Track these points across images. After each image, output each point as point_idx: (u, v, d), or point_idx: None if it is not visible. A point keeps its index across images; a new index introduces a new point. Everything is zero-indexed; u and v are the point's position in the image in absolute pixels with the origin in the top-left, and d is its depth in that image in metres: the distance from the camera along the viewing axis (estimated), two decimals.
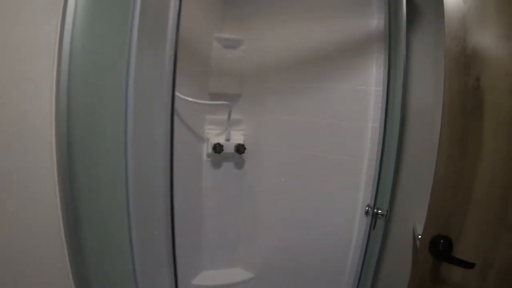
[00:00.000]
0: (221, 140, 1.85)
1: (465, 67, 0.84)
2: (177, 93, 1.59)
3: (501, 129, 0.80)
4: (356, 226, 1.69)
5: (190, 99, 1.64)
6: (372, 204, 1.43)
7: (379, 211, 1.40)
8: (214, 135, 1.88)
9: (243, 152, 1.85)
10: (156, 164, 1.14)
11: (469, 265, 0.84)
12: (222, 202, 1.95)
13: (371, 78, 1.64)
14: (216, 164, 1.91)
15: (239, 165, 1.94)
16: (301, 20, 1.78)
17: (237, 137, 1.88)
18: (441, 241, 0.91)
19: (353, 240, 1.70)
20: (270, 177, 1.87)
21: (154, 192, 1.19)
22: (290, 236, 1.86)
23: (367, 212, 1.43)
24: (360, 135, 1.65)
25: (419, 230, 1.57)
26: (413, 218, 1.69)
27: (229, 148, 1.84)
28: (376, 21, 1.64)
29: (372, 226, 1.41)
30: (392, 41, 1.54)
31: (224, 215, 1.96)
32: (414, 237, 1.61)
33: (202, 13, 1.86)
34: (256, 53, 1.89)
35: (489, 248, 0.86)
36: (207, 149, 1.86)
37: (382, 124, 1.53)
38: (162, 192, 1.09)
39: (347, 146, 1.70)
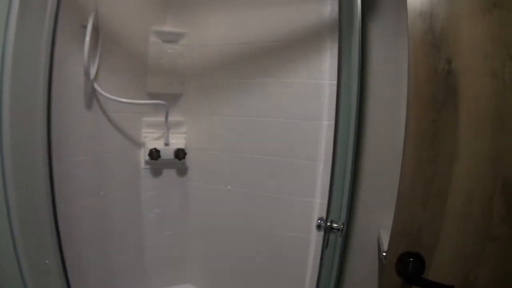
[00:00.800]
0: (160, 144, 1.62)
1: (433, 48, 0.68)
2: (102, 91, 1.38)
3: (480, 122, 0.65)
4: (313, 238, 1.53)
5: (114, 97, 1.40)
6: (324, 217, 1.24)
7: (334, 225, 1.20)
8: (152, 139, 1.65)
9: (183, 158, 1.64)
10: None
11: None
12: (164, 213, 1.72)
13: (324, 70, 1.49)
14: (156, 172, 1.68)
15: (182, 172, 1.72)
16: (247, 9, 1.60)
17: (178, 141, 1.66)
18: (411, 259, 0.75)
19: (311, 253, 1.54)
20: (216, 185, 1.67)
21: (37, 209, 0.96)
22: (242, 248, 1.67)
23: (319, 226, 1.21)
24: (314, 134, 1.49)
25: (385, 241, 1.44)
26: (377, 227, 1.58)
27: (168, 153, 1.62)
28: (329, 7, 1.48)
29: (325, 243, 1.23)
30: (345, 28, 1.39)
31: (168, 228, 1.74)
32: (380, 250, 1.48)
33: (139, 4, 1.64)
34: (199, 48, 1.68)
35: (469, 264, 0.71)
36: (144, 155, 1.63)
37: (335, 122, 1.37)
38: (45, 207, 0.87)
39: (301, 148, 1.53)
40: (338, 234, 1.21)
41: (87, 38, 1.27)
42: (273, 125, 1.56)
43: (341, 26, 1.37)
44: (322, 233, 1.39)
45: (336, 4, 1.46)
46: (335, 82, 1.44)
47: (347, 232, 1.54)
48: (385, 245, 1.38)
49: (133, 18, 1.60)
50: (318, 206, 1.52)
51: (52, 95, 0.94)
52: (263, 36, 1.58)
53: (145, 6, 1.67)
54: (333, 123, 1.43)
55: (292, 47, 1.54)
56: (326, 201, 1.47)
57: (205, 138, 1.69)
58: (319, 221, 1.19)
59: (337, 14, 1.44)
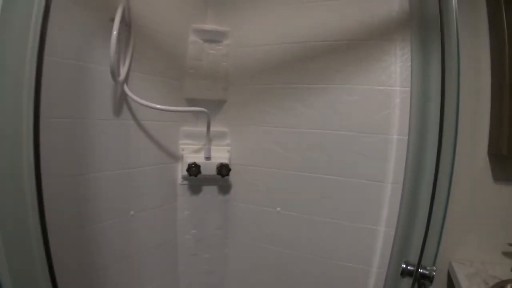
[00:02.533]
0: (200, 158, 1.43)
1: None
2: (133, 96, 1.20)
3: None
4: (374, 270, 1.30)
5: (147, 103, 1.22)
6: (416, 261, 0.95)
7: (424, 271, 0.95)
8: (191, 152, 1.47)
9: (227, 175, 1.44)
10: None
11: None
12: (202, 235, 1.53)
13: (394, 75, 1.26)
14: (195, 189, 1.50)
15: (224, 189, 1.52)
16: (299, 4, 1.39)
17: (221, 155, 1.47)
18: None
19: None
20: (262, 206, 1.47)
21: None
22: (288, 278, 1.46)
23: (403, 273, 0.97)
24: (381, 151, 1.27)
25: (459, 275, 1.23)
26: (448, 259, 1.36)
27: (209, 169, 1.43)
28: (398, 5, 1.26)
29: None
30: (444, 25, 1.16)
31: (205, 251, 1.55)
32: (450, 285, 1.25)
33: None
34: (244, 48, 1.49)
35: None
36: (182, 170, 1.45)
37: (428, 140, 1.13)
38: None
39: (364, 166, 1.30)
40: (426, 283, 0.96)
41: (114, 33, 1.09)
42: (331, 138, 1.35)
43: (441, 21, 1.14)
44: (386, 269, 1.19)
45: None
46: (407, 89, 1.24)
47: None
48: (462, 283, 1.18)
49: (170, 14, 1.42)
50: (382, 234, 1.30)
51: (42, 94, 0.72)
52: (318, 34, 1.36)
53: (183, 1, 1.49)
54: (404, 137, 1.23)
55: (354, 48, 1.32)
56: (391, 229, 1.28)
57: (251, 152, 1.49)
58: (404, 265, 0.96)
59: (408, 9, 1.24)
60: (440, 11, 1.07)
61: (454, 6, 1.04)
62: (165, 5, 1.40)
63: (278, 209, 1.44)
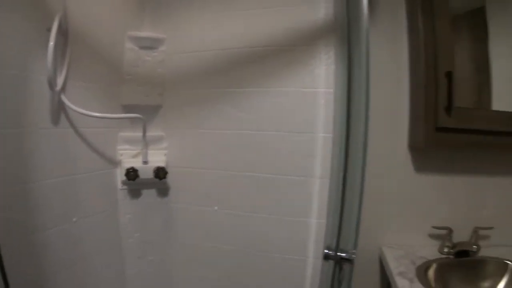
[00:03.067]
0: (138, 162, 1.46)
1: None
2: (70, 104, 1.21)
3: None
4: (310, 260, 1.39)
5: (84, 111, 1.24)
6: (333, 245, 1.06)
7: (343, 255, 1.04)
8: (130, 157, 1.49)
9: (165, 177, 1.47)
10: None
11: None
12: (146, 238, 1.55)
13: (319, 78, 1.35)
14: (134, 193, 1.51)
15: (163, 192, 1.55)
16: (233, 11, 1.45)
17: (158, 158, 1.49)
18: None
19: (308, 277, 1.40)
20: (201, 206, 1.51)
21: None
22: (232, 273, 1.51)
23: (327, 257, 1.06)
24: (309, 148, 1.35)
25: (390, 259, 1.33)
26: (379, 245, 1.45)
27: (147, 172, 1.45)
28: (323, 10, 1.35)
29: (336, 279, 1.07)
30: (351, 32, 1.25)
31: (150, 253, 1.57)
32: (383, 269, 1.33)
33: (113, 6, 1.48)
34: (180, 55, 1.52)
35: None
36: (121, 175, 1.46)
37: (343, 134, 1.22)
38: None
39: (294, 163, 1.38)
40: (346, 265, 1.05)
41: (51, 43, 1.11)
42: (263, 139, 1.41)
43: (349, 29, 1.23)
44: (321, 256, 1.26)
45: (331, 6, 1.33)
46: (331, 90, 1.34)
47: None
48: (391, 264, 1.29)
49: (107, 22, 1.43)
50: (314, 226, 1.38)
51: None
52: (251, 41, 1.43)
53: (120, 9, 1.50)
54: (329, 135, 1.32)
55: (283, 53, 1.40)
56: (322, 221, 1.35)
57: (188, 154, 1.53)
58: (326, 250, 1.04)
59: (332, 17, 1.33)
60: (348, 17, 1.17)
61: (365, 13, 1.13)
62: (101, 13, 1.40)
63: (216, 208, 1.48)
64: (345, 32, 1.20)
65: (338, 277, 1.17)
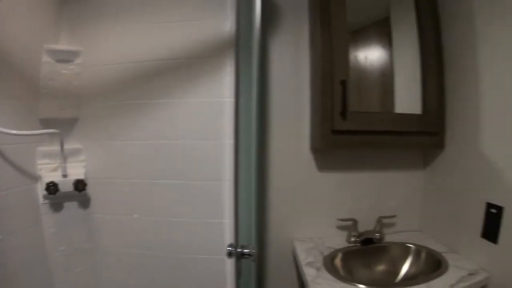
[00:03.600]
0: (57, 176, 1.48)
1: None
2: None
3: None
4: (228, 259, 1.47)
5: None
6: (245, 243, 1.16)
7: (245, 251, 1.14)
8: (49, 171, 1.50)
9: (84, 189, 1.50)
10: None
11: None
12: (71, 250, 1.57)
13: (225, 88, 1.43)
14: (56, 207, 1.53)
15: (84, 204, 1.58)
16: (147, 25, 1.50)
17: (77, 171, 1.52)
18: None
19: (228, 275, 1.49)
20: (122, 215, 1.56)
21: None
22: (157, 277, 1.57)
23: (230, 254, 1.15)
24: (218, 154, 1.44)
25: (300, 252, 1.43)
26: (291, 239, 1.56)
27: (67, 186, 1.48)
28: (229, 23, 1.44)
29: (237, 272, 1.16)
30: (242, 44, 1.33)
31: (77, 265, 1.59)
32: (296, 261, 1.44)
33: (29, 19, 1.46)
34: (95, 67, 1.55)
35: None
36: (41, 189, 1.48)
37: (242, 140, 1.31)
38: None
39: (206, 169, 1.47)
40: (250, 260, 1.14)
41: None
42: (177, 147, 1.49)
43: (238, 42, 1.32)
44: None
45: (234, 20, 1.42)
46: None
47: (262, 251, 1.51)
48: (300, 255, 1.39)
49: (22, 35, 1.42)
50: (228, 226, 1.47)
51: None
52: (163, 53, 1.49)
53: (36, 22, 1.50)
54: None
55: (193, 65, 1.48)
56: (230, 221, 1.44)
57: (106, 165, 1.57)
58: (229, 248, 1.12)
59: (235, 30, 1.41)
60: (238, 31, 1.24)
61: (256, 27, 1.22)
62: (17, 27, 1.40)
63: (136, 215, 1.54)
64: (248, 45, 1.30)
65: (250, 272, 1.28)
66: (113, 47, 1.53)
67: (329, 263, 1.32)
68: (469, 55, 1.36)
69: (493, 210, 1.23)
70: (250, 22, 1.30)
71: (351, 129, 1.38)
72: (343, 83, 1.36)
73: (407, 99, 1.53)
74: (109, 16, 1.53)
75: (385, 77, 1.55)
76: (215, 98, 1.44)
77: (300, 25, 1.51)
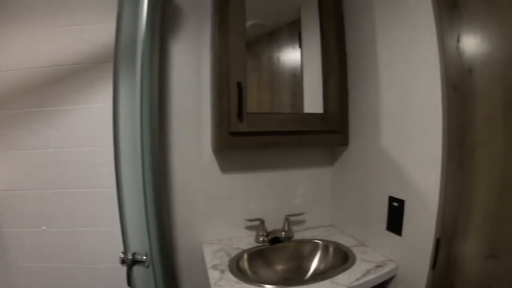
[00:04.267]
0: None
1: None
2: None
3: None
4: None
5: None
6: (140, 250, 1.15)
7: (138, 257, 1.13)
8: None
9: None
10: None
11: None
12: None
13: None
14: None
15: None
16: (42, 29, 1.47)
17: None
18: None
19: None
20: (29, 227, 1.51)
21: None
22: None
23: (123, 261, 1.12)
24: (110, 161, 1.41)
25: (207, 254, 1.42)
26: (200, 242, 1.55)
27: None
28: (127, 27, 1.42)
29: (128, 279, 1.15)
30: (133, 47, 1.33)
31: None
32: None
33: None
34: None
35: None
36: None
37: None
38: None
39: (103, 176, 1.46)
40: (144, 266, 1.13)
41: None
42: (77, 155, 1.47)
43: (118, 46, 1.31)
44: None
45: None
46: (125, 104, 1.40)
47: (171, 257, 1.50)
48: (207, 258, 1.38)
49: None
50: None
51: None
52: (61, 59, 1.46)
53: None
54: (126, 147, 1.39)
55: (91, 70, 1.46)
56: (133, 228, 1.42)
57: (11, 177, 1.51)
58: (121, 254, 1.11)
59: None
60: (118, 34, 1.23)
61: (141, 33, 1.22)
62: None
63: (44, 227, 1.50)
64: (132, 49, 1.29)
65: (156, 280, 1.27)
66: (10, 53, 1.49)
67: (234, 265, 1.31)
68: (369, 54, 1.40)
69: (395, 204, 1.27)
70: (138, 24, 1.31)
71: (248, 130, 1.39)
72: (239, 85, 1.37)
73: (313, 99, 1.56)
74: (6, 21, 1.49)
75: (296, 78, 1.59)
76: (110, 103, 1.42)
77: (202, 28, 1.51)
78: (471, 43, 0.97)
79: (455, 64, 1.02)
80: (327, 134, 1.54)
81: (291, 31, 1.61)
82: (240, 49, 1.40)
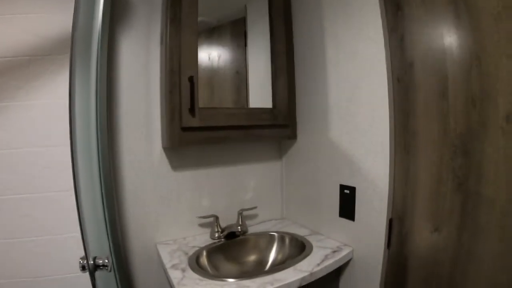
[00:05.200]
0: None
1: None
2: None
3: None
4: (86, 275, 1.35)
5: None
6: (101, 254, 1.08)
7: (99, 261, 1.06)
8: None
9: None
10: None
11: None
12: None
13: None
14: None
15: None
16: None
17: None
18: None
19: None
20: None
21: None
22: None
23: (83, 268, 1.03)
24: (63, 162, 1.31)
25: (163, 254, 1.39)
26: (154, 243, 1.50)
27: None
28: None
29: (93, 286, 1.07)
30: (86, 41, 1.24)
31: None
32: (162, 264, 1.38)
33: None
34: None
35: None
36: None
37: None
38: None
39: (52, 178, 1.33)
40: (107, 270, 1.06)
41: None
42: (19, 156, 1.32)
43: (75, 38, 1.22)
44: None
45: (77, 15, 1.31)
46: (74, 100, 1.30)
47: (126, 260, 1.43)
48: (164, 259, 1.33)
49: None
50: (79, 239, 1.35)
51: None
52: (2, 50, 1.30)
53: None
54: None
55: (35, 63, 1.33)
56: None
57: None
58: (81, 260, 1.02)
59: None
60: (75, 26, 1.15)
61: (98, 22, 1.15)
62: None
63: None
64: (86, 41, 1.21)
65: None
66: None
67: (194, 263, 1.29)
68: (318, 53, 1.48)
69: (347, 191, 1.36)
70: (94, 17, 1.24)
71: (201, 125, 1.38)
72: (191, 79, 1.35)
73: (260, 95, 1.60)
74: None
75: (239, 75, 1.61)
76: (60, 99, 1.32)
77: (151, 23, 1.46)
78: (412, 41, 1.09)
79: (399, 59, 1.13)
80: (275, 129, 1.59)
81: (236, 28, 1.63)
82: (192, 44, 1.39)
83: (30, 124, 1.33)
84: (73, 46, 1.26)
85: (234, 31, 1.63)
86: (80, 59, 1.27)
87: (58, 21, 1.34)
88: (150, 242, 1.48)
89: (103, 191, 1.16)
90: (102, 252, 1.13)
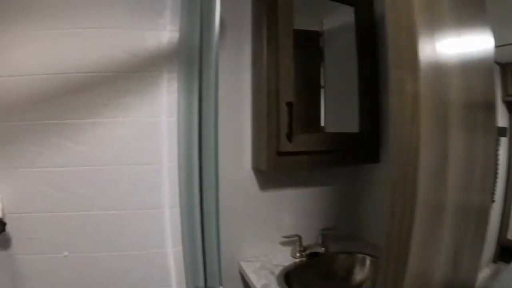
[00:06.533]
0: None
1: None
2: None
3: None
4: None
5: None
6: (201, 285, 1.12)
7: None
8: None
9: (4, 230, 1.24)
10: None
11: None
12: None
13: (161, 106, 1.30)
14: None
15: (4, 244, 1.30)
16: (63, 31, 1.26)
17: None
18: None
19: None
20: (47, 253, 1.32)
21: None
22: None
23: None
24: (154, 179, 1.32)
25: (248, 271, 1.40)
26: (237, 260, 1.51)
27: None
28: (168, 34, 1.30)
29: None
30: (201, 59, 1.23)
31: None
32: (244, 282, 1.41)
33: None
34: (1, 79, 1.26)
35: None
36: None
37: (195, 164, 1.24)
38: None
39: (141, 196, 1.32)
40: None
41: None
42: (105, 174, 1.30)
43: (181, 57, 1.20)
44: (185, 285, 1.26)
45: (176, 31, 1.30)
46: (173, 119, 1.31)
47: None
48: (252, 279, 1.34)
49: None
50: (172, 255, 1.36)
51: None
52: (84, 65, 1.26)
53: None
54: (174, 164, 1.32)
55: (122, 80, 1.29)
56: (179, 249, 1.33)
57: (25, 198, 1.30)
58: None
59: (177, 42, 1.28)
60: (201, 47, 1.14)
61: (214, 44, 1.12)
62: None
63: (66, 253, 1.32)
64: (194, 59, 1.19)
65: None
66: (22, 56, 1.26)
67: (283, 283, 1.30)
68: None
69: None
70: (194, 35, 1.21)
71: (295, 150, 1.37)
72: (289, 104, 1.33)
73: (338, 115, 1.61)
74: (13, 19, 1.25)
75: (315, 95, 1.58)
76: (149, 117, 1.30)
77: (242, 43, 1.46)
78: None
79: None
80: (360, 153, 1.59)
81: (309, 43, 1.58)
82: (289, 66, 1.35)
83: (117, 142, 1.31)
84: (179, 64, 1.25)
85: (309, 49, 1.59)
86: (186, 76, 1.26)
87: (148, 38, 1.30)
88: (233, 259, 1.50)
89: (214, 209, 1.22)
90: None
